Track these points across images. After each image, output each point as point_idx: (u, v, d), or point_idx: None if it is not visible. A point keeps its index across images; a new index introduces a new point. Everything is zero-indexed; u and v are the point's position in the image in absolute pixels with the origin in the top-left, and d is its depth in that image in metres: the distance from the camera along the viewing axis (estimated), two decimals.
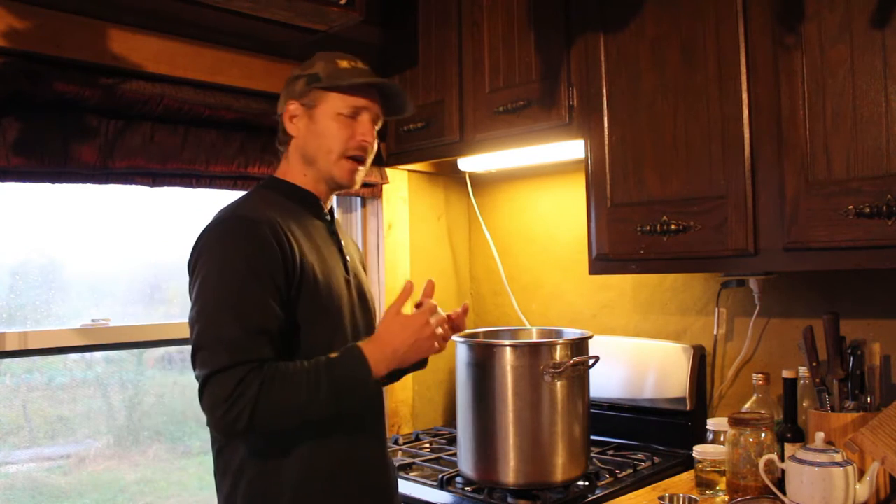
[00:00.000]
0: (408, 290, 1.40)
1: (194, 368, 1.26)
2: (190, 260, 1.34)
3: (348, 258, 1.49)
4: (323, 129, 1.42)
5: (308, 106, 1.42)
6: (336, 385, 1.27)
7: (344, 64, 1.43)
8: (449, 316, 1.48)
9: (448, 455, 2.04)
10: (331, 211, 1.52)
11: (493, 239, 2.53)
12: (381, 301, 2.32)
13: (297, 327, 1.33)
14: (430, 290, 1.47)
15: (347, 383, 1.29)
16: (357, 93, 1.42)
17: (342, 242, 1.50)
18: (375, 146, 1.48)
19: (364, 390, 1.32)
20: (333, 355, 1.31)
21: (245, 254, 1.27)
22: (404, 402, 2.40)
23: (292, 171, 1.46)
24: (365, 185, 2.28)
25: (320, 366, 1.28)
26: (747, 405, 1.77)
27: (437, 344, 1.40)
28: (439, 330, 1.40)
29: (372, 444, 1.46)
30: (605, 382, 2.08)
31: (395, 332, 1.35)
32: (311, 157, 1.43)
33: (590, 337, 1.78)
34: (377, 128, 1.48)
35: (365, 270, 1.64)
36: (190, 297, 1.32)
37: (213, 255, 1.29)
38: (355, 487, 1.40)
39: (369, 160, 1.48)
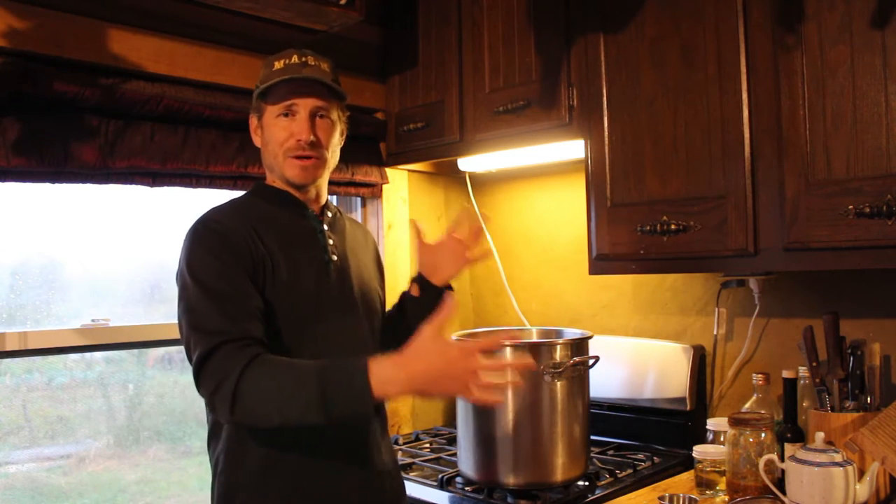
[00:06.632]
0: (451, 305, 1.22)
1: (190, 364, 1.27)
2: (177, 271, 1.38)
3: (334, 258, 1.46)
4: (268, 137, 1.44)
5: (259, 118, 1.47)
6: (323, 389, 1.18)
7: (278, 64, 1.42)
8: (509, 364, 1.23)
9: (448, 455, 2.04)
10: (323, 209, 1.51)
11: (493, 239, 2.53)
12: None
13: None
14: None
15: (338, 391, 1.18)
16: (286, 92, 1.40)
17: (330, 242, 1.47)
18: (335, 137, 1.46)
19: (358, 404, 1.18)
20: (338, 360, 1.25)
21: (209, 247, 1.32)
22: (404, 402, 2.40)
23: (269, 178, 1.51)
24: (365, 185, 2.29)
25: (316, 365, 1.22)
26: (747, 405, 1.77)
27: (472, 389, 1.17)
28: (486, 377, 1.17)
29: (347, 453, 1.38)
30: (605, 382, 2.08)
31: (423, 354, 1.18)
32: (269, 165, 1.47)
33: (590, 337, 1.78)
34: (331, 117, 1.44)
35: (381, 271, 1.64)
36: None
37: (186, 261, 1.33)
38: (312, 495, 1.35)
39: (326, 153, 1.44)
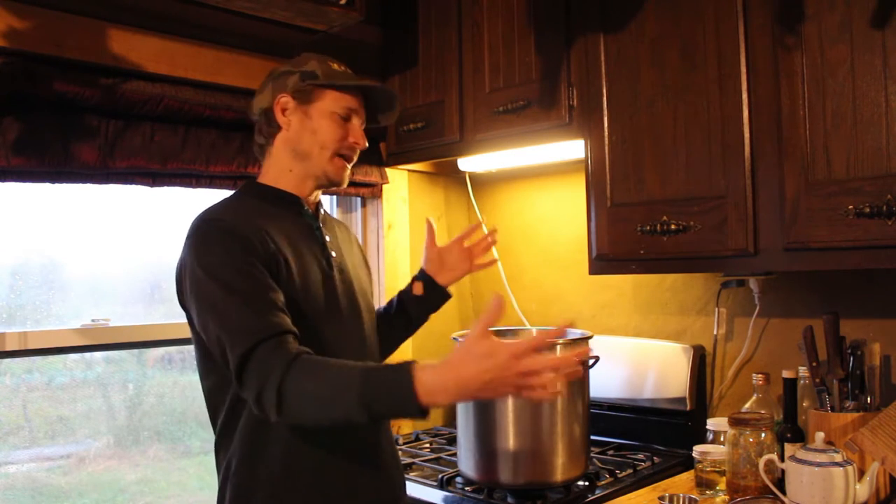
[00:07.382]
0: (498, 307, 1.13)
1: (229, 367, 1.23)
2: (177, 272, 1.35)
3: (333, 254, 1.47)
4: (317, 126, 1.43)
5: (302, 101, 1.43)
6: (367, 399, 1.14)
7: (336, 66, 1.47)
8: (567, 359, 1.16)
9: (448, 455, 2.04)
10: (317, 208, 1.52)
11: None
12: (382, 301, 2.31)
13: None
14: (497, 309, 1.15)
15: (382, 401, 1.15)
16: (351, 95, 1.46)
17: (327, 239, 1.48)
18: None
19: (402, 412, 1.16)
20: (382, 364, 1.24)
21: (223, 245, 1.28)
22: None
23: (275, 168, 1.46)
24: (365, 185, 2.29)
25: (359, 370, 1.18)
26: (747, 405, 1.77)
27: (526, 390, 1.11)
28: (536, 378, 1.10)
29: (361, 447, 1.41)
30: (605, 382, 2.08)
31: (471, 360, 1.10)
32: (305, 152, 1.43)
33: (590, 337, 1.78)
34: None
35: (368, 268, 1.66)
36: (181, 304, 1.36)
37: (198, 260, 1.29)
38: (334, 491, 1.36)
39: (355, 160, 1.50)
